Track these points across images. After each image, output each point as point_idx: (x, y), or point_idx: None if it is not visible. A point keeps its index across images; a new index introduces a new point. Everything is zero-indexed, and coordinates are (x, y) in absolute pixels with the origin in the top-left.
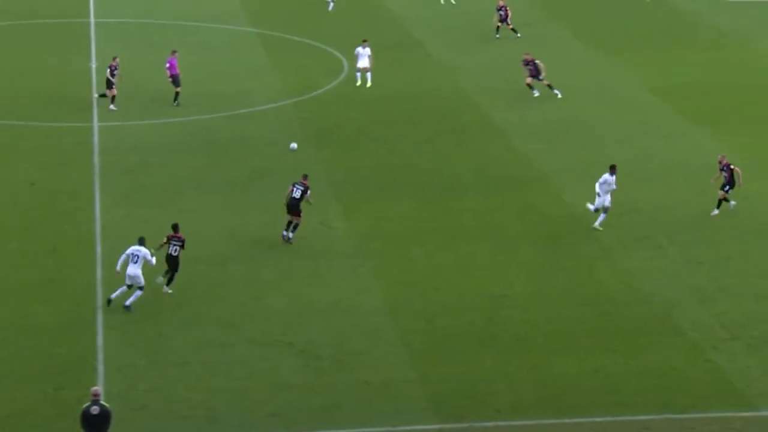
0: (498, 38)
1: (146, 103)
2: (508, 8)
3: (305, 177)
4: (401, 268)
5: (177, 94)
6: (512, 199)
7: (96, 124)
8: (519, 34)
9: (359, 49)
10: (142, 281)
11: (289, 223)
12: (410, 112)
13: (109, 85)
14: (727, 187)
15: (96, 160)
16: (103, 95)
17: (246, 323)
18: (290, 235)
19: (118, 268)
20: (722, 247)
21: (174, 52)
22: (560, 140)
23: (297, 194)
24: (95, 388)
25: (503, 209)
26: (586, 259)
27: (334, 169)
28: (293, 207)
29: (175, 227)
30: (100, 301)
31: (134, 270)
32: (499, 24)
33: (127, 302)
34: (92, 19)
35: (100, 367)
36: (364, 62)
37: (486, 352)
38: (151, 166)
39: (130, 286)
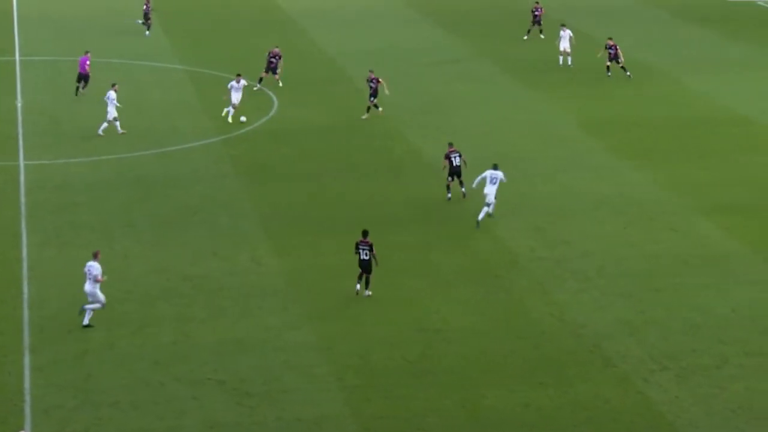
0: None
1: (74, 140)
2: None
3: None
4: (334, 304)
5: (77, 88)
6: (445, 234)
7: (22, 162)
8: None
9: (233, 84)
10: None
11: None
12: (342, 147)
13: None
14: None
15: (23, 198)
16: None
17: (176, 362)
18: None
19: None
20: (651, 280)
21: (87, 52)
22: None
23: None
24: (22, 431)
25: (437, 244)
26: (518, 293)
27: (265, 205)
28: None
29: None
30: (27, 341)
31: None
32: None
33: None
34: (17, 57)
35: (27, 409)
36: (237, 97)
37: (419, 387)
38: (79, 204)
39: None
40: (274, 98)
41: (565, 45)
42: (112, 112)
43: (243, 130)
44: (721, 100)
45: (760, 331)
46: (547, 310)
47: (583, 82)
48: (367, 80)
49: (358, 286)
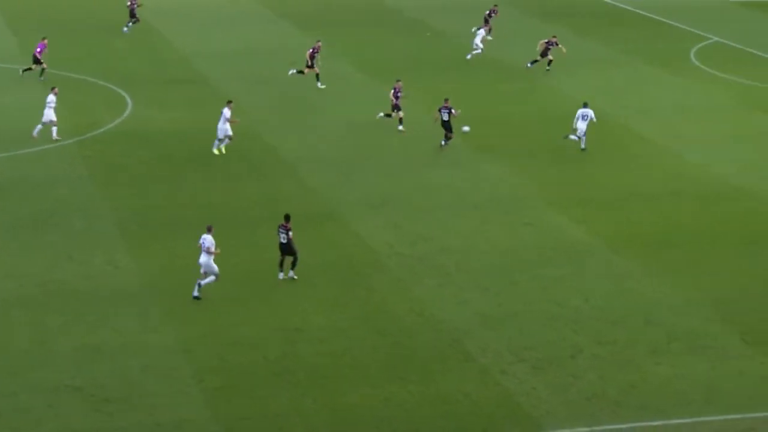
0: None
1: None
2: None
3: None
4: (193, 306)
5: (29, 69)
6: (304, 232)
7: None
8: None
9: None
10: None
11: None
12: (197, 148)
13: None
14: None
15: None
16: None
17: (30, 370)
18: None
19: None
20: (508, 273)
21: (44, 38)
22: (350, 173)
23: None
24: None
25: (296, 243)
26: (378, 290)
27: (121, 208)
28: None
29: None
30: None
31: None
32: None
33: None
34: None
35: None
36: (50, 114)
37: (281, 387)
38: None
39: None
40: (128, 99)
41: (477, 41)
42: (49, 115)
43: (97, 132)
44: (572, 95)
45: (612, 321)
46: (407, 306)
47: (444, 78)
48: (394, 91)
49: (281, 274)
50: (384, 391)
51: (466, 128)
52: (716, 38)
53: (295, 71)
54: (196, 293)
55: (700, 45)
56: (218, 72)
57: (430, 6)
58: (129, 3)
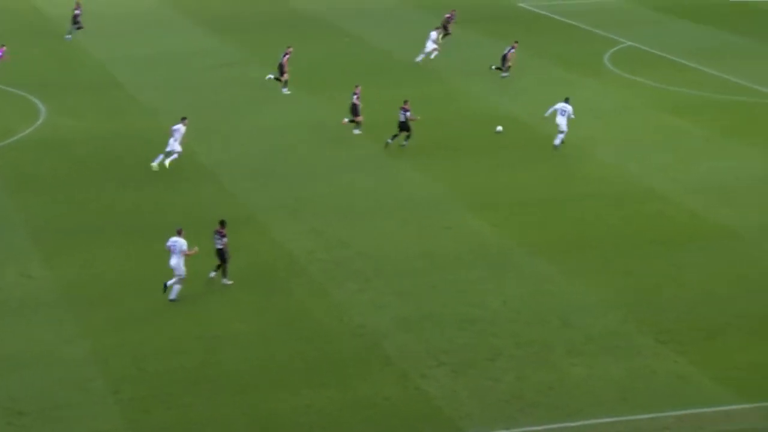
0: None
1: None
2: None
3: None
4: (109, 315)
5: None
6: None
7: None
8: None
9: None
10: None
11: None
12: (113, 155)
13: None
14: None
15: None
16: None
17: None
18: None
19: None
20: (427, 277)
21: (2, 45)
22: (268, 177)
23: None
24: None
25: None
26: (298, 295)
27: (35, 217)
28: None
29: None
30: None
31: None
32: None
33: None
34: None
35: None
36: None
37: (200, 395)
38: None
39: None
40: (41, 106)
41: (430, 45)
42: None
43: (9, 141)
44: (488, 99)
45: (529, 323)
46: (327, 312)
47: (363, 83)
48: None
49: (213, 273)
50: (304, 397)
51: (499, 128)
52: (629, 42)
53: (272, 76)
54: (173, 296)
55: (614, 49)
56: (133, 78)
57: (347, 12)
58: (75, 10)
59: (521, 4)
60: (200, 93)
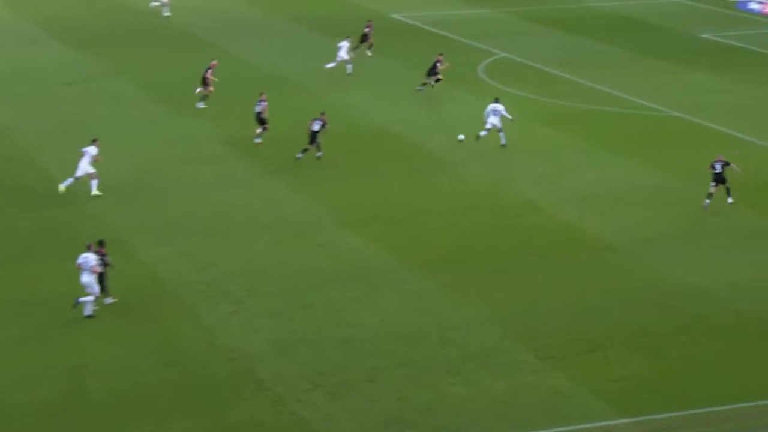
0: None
1: None
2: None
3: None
4: None
5: None
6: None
7: None
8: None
9: None
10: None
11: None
12: None
13: None
14: None
15: None
16: None
17: None
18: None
19: None
20: (301, 297)
21: None
22: (133, 198)
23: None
24: None
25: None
26: (166, 320)
27: None
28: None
29: None
30: None
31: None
32: None
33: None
34: None
35: None
36: None
37: (61, 429)
38: None
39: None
40: None
41: (342, 54)
42: None
43: None
44: (361, 111)
45: (408, 341)
46: (198, 336)
47: (226, 99)
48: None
49: (108, 299)
50: (174, 425)
51: (461, 136)
52: (503, 53)
53: (201, 89)
54: (88, 312)
55: (487, 60)
56: None
57: (220, 27)
58: None
59: (394, 15)
60: (59, 109)
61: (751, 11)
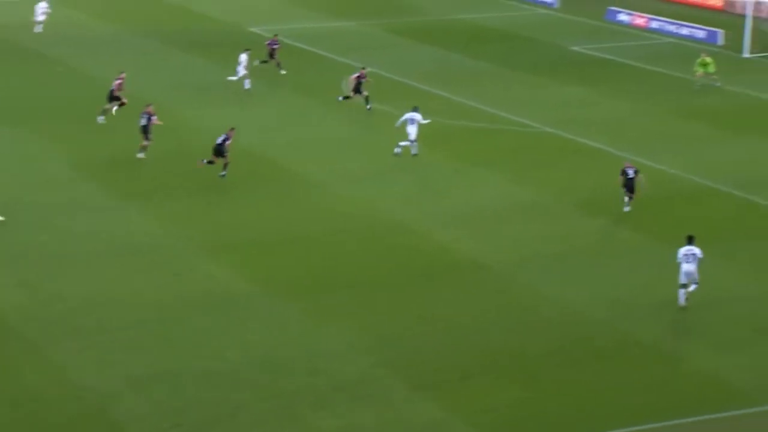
0: None
1: None
2: None
3: None
4: None
5: None
6: None
7: None
8: None
9: None
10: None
11: None
12: None
13: None
14: None
15: None
16: None
17: None
18: None
19: None
20: (158, 329)
21: None
22: None
23: None
24: None
25: None
26: (10, 359)
27: None
28: None
29: None
30: None
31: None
32: None
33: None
34: None
35: None
36: None
37: None
38: None
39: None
40: None
41: (242, 69)
42: None
43: None
44: (214, 130)
45: (274, 373)
46: (44, 375)
47: (75, 119)
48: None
49: None
50: None
51: (397, 150)
52: (369, 68)
53: (116, 107)
54: None
55: (354, 76)
56: None
57: (67, 43)
58: None
59: (253, 29)
60: None
61: (621, 23)
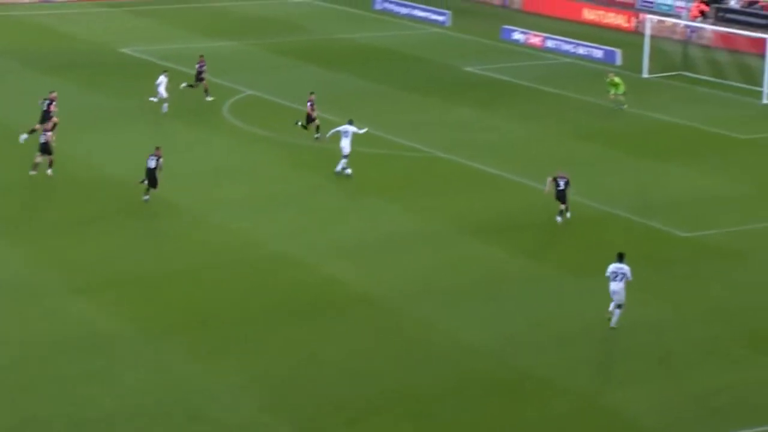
0: None
1: None
2: None
3: None
4: None
5: None
6: None
7: None
8: None
9: None
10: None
11: None
12: None
13: None
14: None
15: None
16: None
17: None
18: None
19: None
20: (20, 374)
21: None
22: None
23: None
24: None
25: None
26: None
27: None
28: None
29: None
30: None
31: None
32: None
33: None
34: None
35: None
36: None
37: None
38: None
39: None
40: None
41: (162, 90)
42: None
43: None
44: (85, 159)
45: (151, 420)
46: None
47: None
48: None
49: None
50: None
51: (340, 168)
52: (249, 91)
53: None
54: None
55: (233, 99)
56: None
57: None
58: None
59: (124, 50)
60: None
61: (516, 42)
